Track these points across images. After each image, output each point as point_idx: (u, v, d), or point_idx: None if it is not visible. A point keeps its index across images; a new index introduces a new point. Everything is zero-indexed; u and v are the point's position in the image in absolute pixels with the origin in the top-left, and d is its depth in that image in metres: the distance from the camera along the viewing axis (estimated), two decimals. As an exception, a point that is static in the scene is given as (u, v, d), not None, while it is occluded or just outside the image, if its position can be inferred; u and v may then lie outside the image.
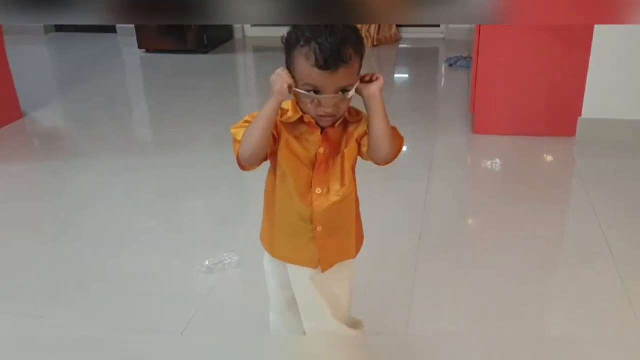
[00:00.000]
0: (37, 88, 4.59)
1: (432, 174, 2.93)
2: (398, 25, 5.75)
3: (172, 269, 2.22)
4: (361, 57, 1.21)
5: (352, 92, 1.21)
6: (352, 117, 1.30)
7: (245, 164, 1.25)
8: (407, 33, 5.83)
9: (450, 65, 4.88)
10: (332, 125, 1.26)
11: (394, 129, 1.29)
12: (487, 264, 2.19)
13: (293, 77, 1.20)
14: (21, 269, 2.27)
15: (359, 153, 1.32)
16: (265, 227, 1.42)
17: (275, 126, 1.24)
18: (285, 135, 1.27)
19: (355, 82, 1.21)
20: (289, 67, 1.20)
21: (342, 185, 1.30)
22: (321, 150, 1.27)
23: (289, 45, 1.19)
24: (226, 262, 2.22)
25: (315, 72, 1.15)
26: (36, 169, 3.20)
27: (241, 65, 5.66)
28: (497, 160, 3.10)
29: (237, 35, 6.15)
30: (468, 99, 3.61)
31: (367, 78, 1.25)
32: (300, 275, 1.37)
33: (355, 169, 1.34)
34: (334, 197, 1.30)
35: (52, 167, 3.21)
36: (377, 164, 1.32)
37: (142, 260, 2.28)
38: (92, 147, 3.49)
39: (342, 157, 1.30)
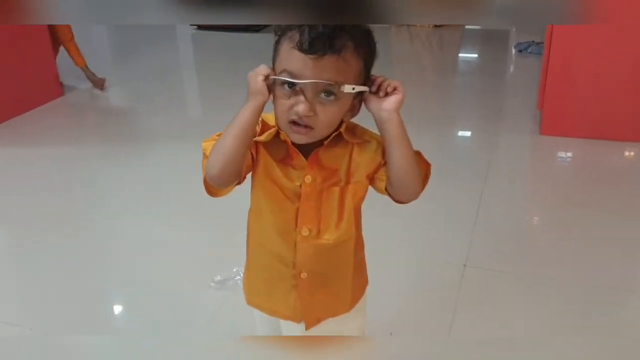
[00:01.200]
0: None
1: (487, 185, 2.61)
2: (466, 5, 5.43)
3: (180, 284, 2.02)
4: (365, 62, 0.92)
5: (348, 90, 0.90)
6: (356, 137, 0.99)
7: (213, 184, 0.97)
8: (476, 13, 5.52)
9: (520, 51, 4.69)
10: (320, 143, 0.96)
11: (418, 154, 1.00)
12: (543, 304, 1.85)
13: (274, 69, 0.93)
14: (15, 271, 2.13)
15: (374, 187, 1.03)
16: (245, 267, 1.16)
17: (255, 145, 0.97)
18: (264, 158, 0.99)
19: (347, 86, 0.90)
20: (274, 57, 0.96)
21: (338, 228, 1.01)
22: (308, 179, 0.98)
23: (281, 32, 0.94)
24: (239, 277, 2.00)
25: (296, 54, 0.89)
26: (53, 157, 3.02)
27: (294, 45, 5.43)
28: (568, 169, 2.76)
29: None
30: (537, 94, 3.21)
31: (382, 93, 0.94)
32: (293, 331, 1.11)
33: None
34: (325, 242, 1.01)
35: (70, 156, 3.04)
36: (398, 202, 1.03)
37: (147, 272, 2.08)
38: (128, 131, 3.37)
39: (343, 192, 1.00)
